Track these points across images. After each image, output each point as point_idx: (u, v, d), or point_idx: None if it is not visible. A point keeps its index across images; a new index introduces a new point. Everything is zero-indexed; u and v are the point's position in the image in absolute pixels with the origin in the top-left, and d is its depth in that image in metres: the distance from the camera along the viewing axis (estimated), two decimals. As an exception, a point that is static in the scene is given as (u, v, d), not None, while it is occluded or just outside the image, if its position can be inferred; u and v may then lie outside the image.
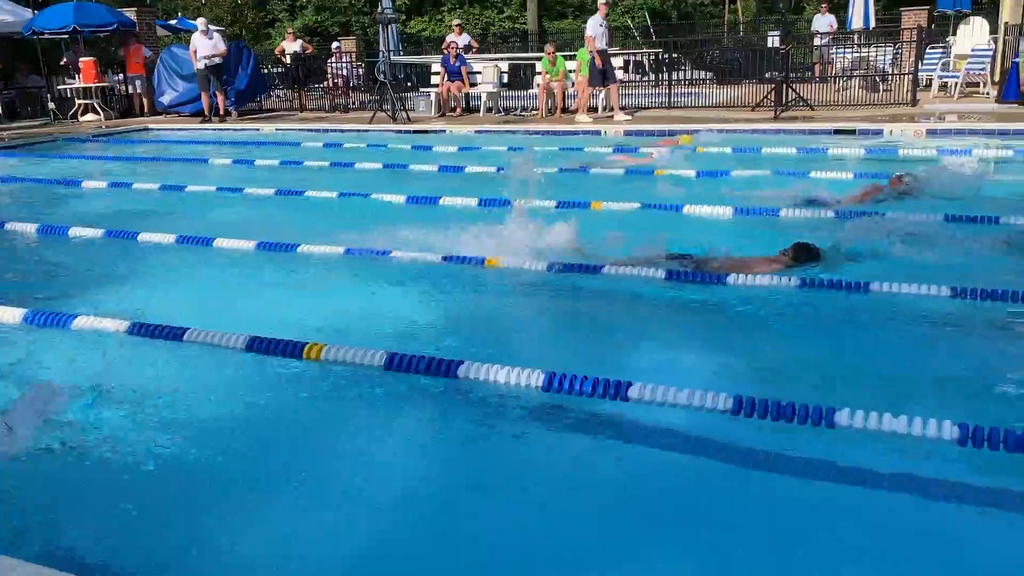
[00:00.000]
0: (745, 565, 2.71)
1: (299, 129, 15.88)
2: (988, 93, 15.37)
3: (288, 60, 19.48)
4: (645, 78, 19.10)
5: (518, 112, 16.87)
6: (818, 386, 3.96)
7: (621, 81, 17.20)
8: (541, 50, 17.31)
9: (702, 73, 18.71)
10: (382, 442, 3.57)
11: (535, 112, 16.19)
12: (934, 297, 4.81)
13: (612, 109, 14.61)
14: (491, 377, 3.81)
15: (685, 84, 17.39)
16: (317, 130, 15.60)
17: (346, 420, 3.79)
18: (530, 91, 17.33)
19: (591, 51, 14.32)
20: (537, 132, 13.96)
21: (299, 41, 20.26)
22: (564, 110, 15.94)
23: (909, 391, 3.87)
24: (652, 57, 19.62)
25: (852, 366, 4.24)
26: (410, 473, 3.32)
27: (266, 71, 19.99)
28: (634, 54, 19.77)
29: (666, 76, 17.13)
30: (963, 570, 2.68)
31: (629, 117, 14.39)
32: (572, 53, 16.45)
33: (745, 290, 5.16)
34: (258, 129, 16.19)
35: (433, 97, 16.94)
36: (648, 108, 16.45)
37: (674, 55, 18.14)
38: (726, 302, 5.13)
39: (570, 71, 16.16)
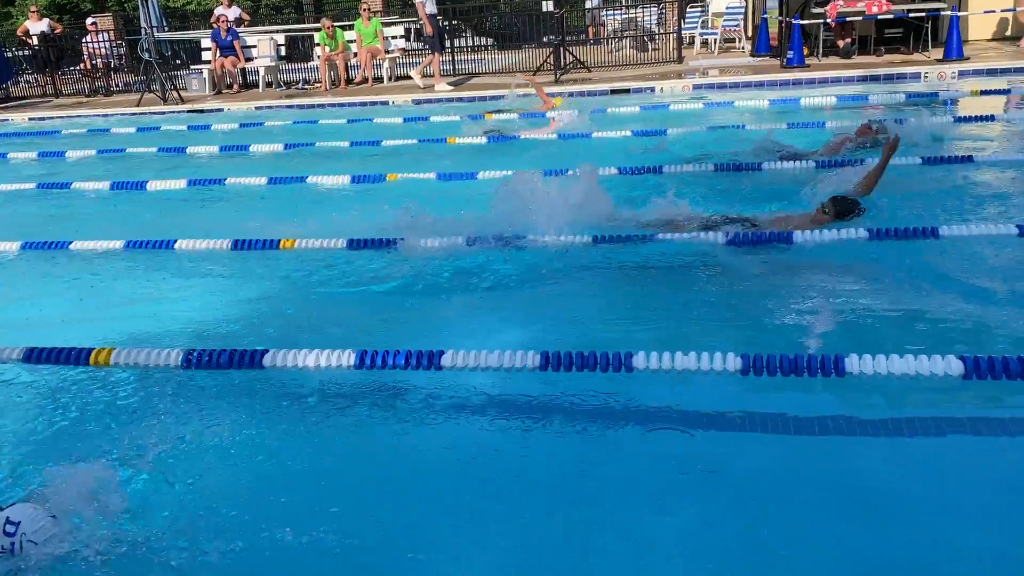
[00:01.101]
0: (566, 518, 2.83)
1: (57, 116, 14.51)
2: (744, 48, 16.66)
3: (35, 41, 17.66)
4: (427, 46, 19.04)
5: (300, 86, 16.32)
6: (618, 334, 4.17)
7: (403, 50, 17.07)
8: (318, 20, 16.79)
9: (483, 39, 18.93)
10: (188, 445, 3.38)
11: (318, 85, 15.73)
12: (712, 244, 5.19)
13: (434, 76, 14.44)
14: (300, 362, 3.71)
15: (467, 51, 17.53)
16: (78, 116, 14.33)
17: (145, 427, 3.55)
18: (311, 63, 16.80)
19: (421, 17, 14.05)
20: (323, 105, 13.60)
21: (45, 20, 18.39)
22: (348, 81, 15.61)
23: (700, 330, 4.18)
24: (432, 25, 19.55)
25: (648, 312, 4.51)
26: (223, 474, 3.18)
27: (10, 55, 18.03)
28: (415, 22, 19.64)
29: (448, 43, 17.17)
30: (755, 489, 2.95)
31: (450, 87, 14.27)
32: (351, 23, 16.09)
33: (541, 251, 5.32)
34: (7, 119, 14.63)
35: (206, 74, 16.02)
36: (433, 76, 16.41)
37: (455, 22, 18.21)
38: (527, 264, 5.27)
39: (350, 42, 15.80)
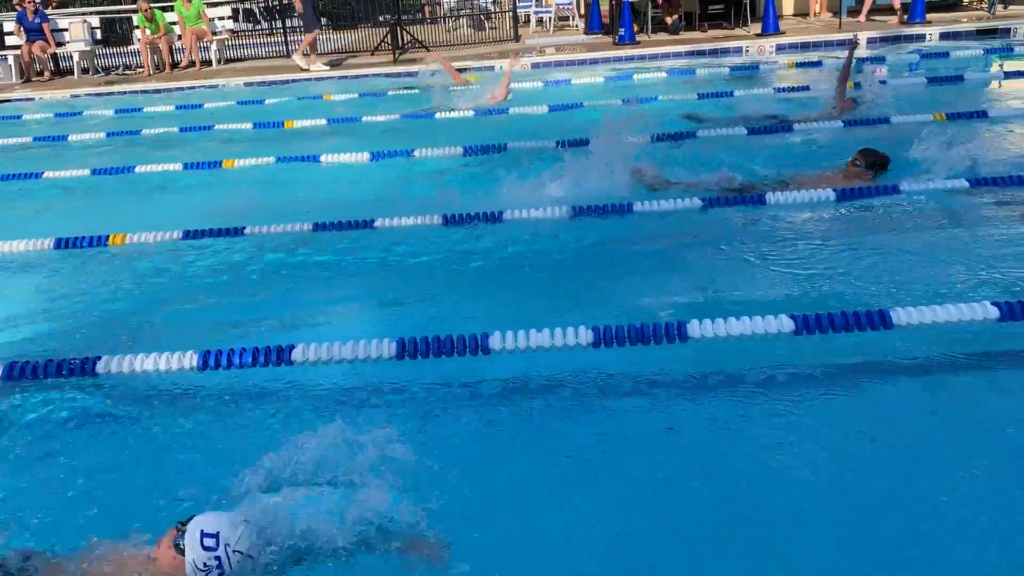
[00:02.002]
0: (433, 510, 2.81)
1: None
2: (577, 26, 17.02)
3: None
4: (258, 26, 18.31)
5: (121, 71, 15.29)
6: (475, 317, 4.17)
7: (232, 31, 16.32)
8: (135, 1, 15.75)
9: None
10: (12, 465, 3.12)
11: (141, 70, 14.79)
12: (557, 219, 5.28)
13: (310, 57, 13.72)
14: (138, 367, 3.49)
15: (301, 31, 16.94)
16: None
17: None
18: (132, 47, 15.75)
19: None
20: (147, 91, 12.82)
21: None
22: (174, 65, 14.76)
23: (552, 307, 4.24)
24: (262, 4, 18.83)
25: (501, 292, 4.54)
26: (56, 494, 2.95)
27: None
28: (243, 2, 18.80)
29: (280, 24, 16.55)
30: (611, 457, 3.05)
31: (327, 67, 13.66)
32: (170, 4, 15.18)
33: (390, 232, 5.25)
34: None
35: (12, 61, 14.71)
36: (266, 59, 15.80)
37: (285, 1, 17.54)
38: (375, 249, 5.18)
39: (172, 24, 14.92)
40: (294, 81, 12.77)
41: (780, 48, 12.45)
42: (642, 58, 12.55)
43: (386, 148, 7.39)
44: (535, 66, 12.55)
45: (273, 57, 15.77)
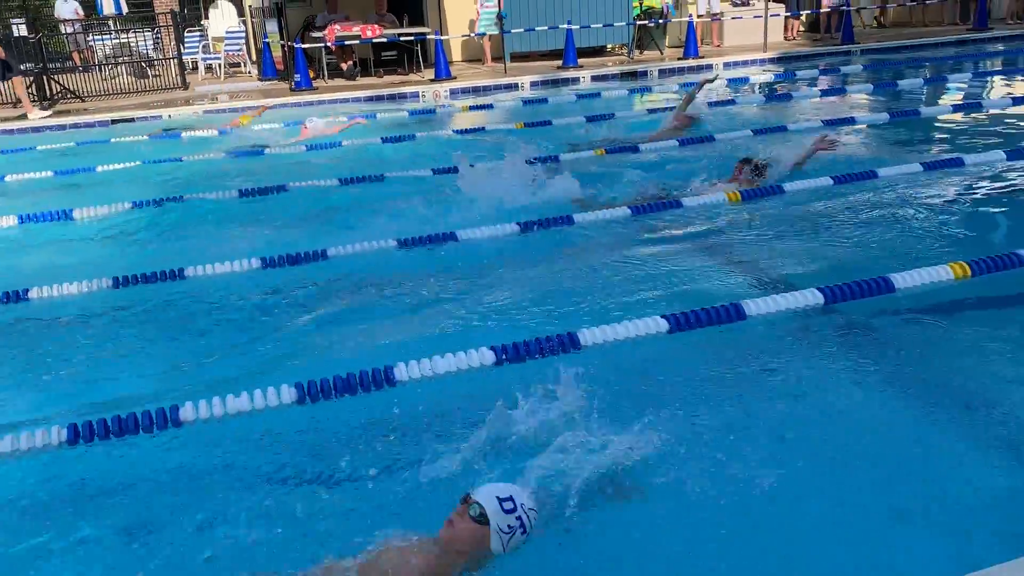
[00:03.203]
0: None
1: None
2: (251, 72, 16.52)
3: None
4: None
5: None
6: (161, 388, 3.78)
7: None
8: None
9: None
10: None
11: None
12: (245, 271, 5.00)
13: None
14: None
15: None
16: None
17: None
18: None
19: None
20: None
21: None
22: None
23: (250, 367, 3.97)
24: None
25: (186, 358, 4.17)
26: None
27: None
28: None
29: None
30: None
31: (47, 112, 11.61)
32: None
33: (49, 303, 4.64)
34: None
35: None
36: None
37: None
38: (33, 322, 4.55)
39: None
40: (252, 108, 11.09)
41: (454, 92, 13.04)
42: (321, 103, 12.47)
43: (38, 209, 6.56)
44: (208, 112, 11.96)
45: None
